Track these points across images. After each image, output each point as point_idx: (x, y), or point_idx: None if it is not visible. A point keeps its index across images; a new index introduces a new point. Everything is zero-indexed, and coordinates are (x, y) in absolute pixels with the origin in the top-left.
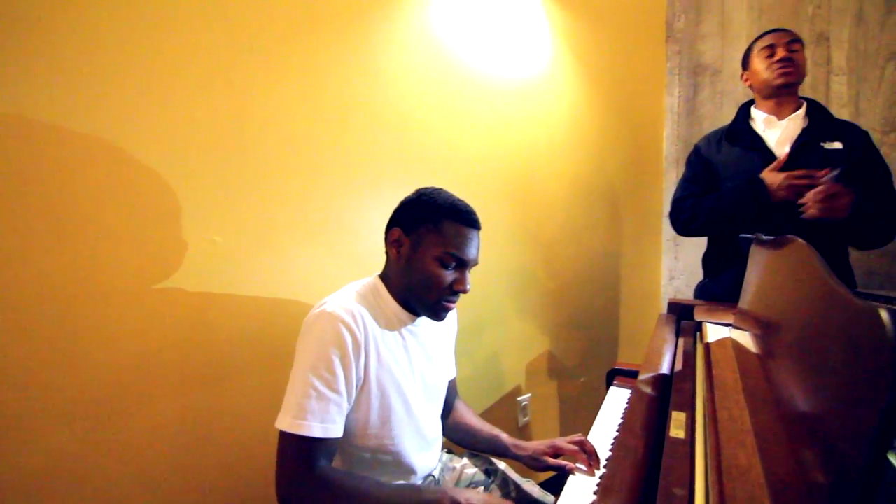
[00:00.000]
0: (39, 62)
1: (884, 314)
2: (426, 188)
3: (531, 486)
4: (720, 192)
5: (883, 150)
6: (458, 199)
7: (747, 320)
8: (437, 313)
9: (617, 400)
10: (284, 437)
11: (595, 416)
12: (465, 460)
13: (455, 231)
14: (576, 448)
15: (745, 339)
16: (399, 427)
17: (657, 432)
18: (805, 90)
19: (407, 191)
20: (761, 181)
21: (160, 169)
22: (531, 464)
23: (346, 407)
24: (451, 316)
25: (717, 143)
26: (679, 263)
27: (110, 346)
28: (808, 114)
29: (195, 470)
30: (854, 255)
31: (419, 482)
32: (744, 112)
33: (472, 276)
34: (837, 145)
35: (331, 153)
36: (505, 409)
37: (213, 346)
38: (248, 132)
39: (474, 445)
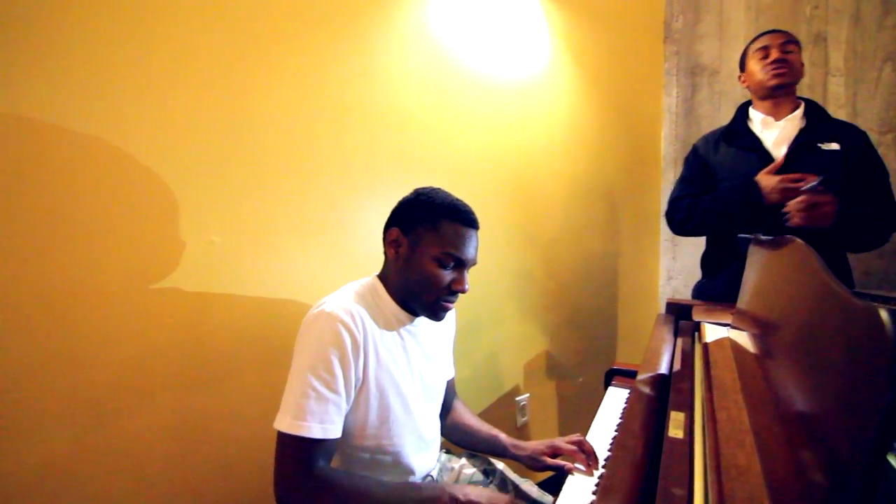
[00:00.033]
0: (37, 62)
1: (883, 314)
2: (424, 188)
3: (529, 486)
4: (715, 194)
5: (880, 151)
6: (457, 199)
7: (745, 320)
8: (436, 313)
9: (615, 400)
10: (283, 437)
11: (593, 416)
12: (464, 460)
13: (453, 231)
14: (574, 448)
15: (744, 339)
16: (398, 427)
17: (656, 432)
18: (803, 91)
19: (405, 190)
20: (756, 184)
21: (158, 168)
22: (530, 464)
23: (344, 407)
24: (450, 316)
25: (715, 143)
26: (677, 263)
27: (108, 346)
28: (805, 114)
29: (193, 470)
30: (852, 255)
31: (418, 481)
32: (742, 113)
33: (471, 276)
34: (835, 146)
35: (329, 153)
36: (503, 409)
37: (211, 346)
38: (246, 132)
39: (473, 445)
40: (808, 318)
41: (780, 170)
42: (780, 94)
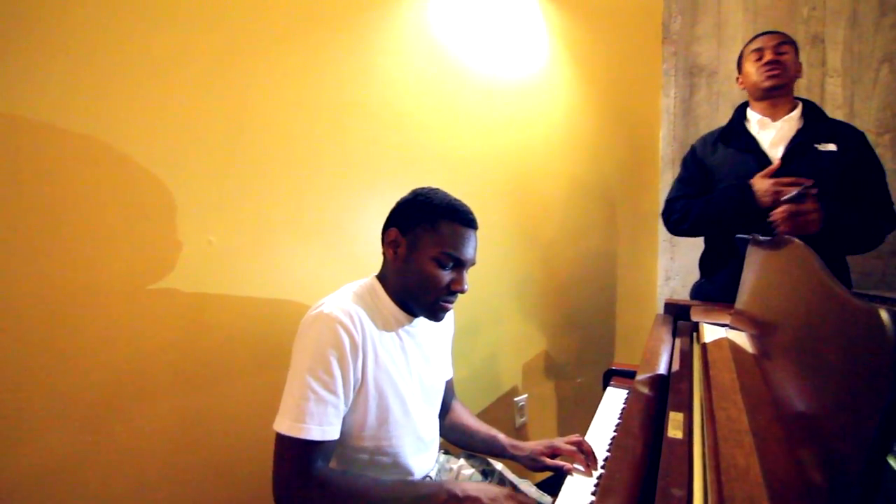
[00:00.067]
0: (35, 62)
1: (884, 314)
2: (422, 188)
3: (528, 487)
4: (710, 196)
5: (878, 152)
6: (455, 199)
7: (744, 321)
8: (435, 314)
9: (614, 400)
10: (282, 439)
11: (592, 417)
12: (462, 461)
13: (452, 231)
14: (573, 448)
15: (742, 339)
16: (396, 428)
17: (655, 433)
18: (800, 91)
19: (404, 191)
20: (750, 187)
21: (156, 169)
22: (529, 464)
23: (343, 409)
24: (448, 316)
25: (713, 144)
26: (675, 264)
27: (105, 347)
28: (803, 115)
29: (191, 470)
30: (849, 256)
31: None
32: (739, 113)
33: (469, 276)
34: (831, 147)
35: (327, 153)
36: (502, 410)
37: (209, 347)
38: (244, 132)
39: (471, 446)
40: (807, 318)
41: (777, 170)
42: (775, 95)
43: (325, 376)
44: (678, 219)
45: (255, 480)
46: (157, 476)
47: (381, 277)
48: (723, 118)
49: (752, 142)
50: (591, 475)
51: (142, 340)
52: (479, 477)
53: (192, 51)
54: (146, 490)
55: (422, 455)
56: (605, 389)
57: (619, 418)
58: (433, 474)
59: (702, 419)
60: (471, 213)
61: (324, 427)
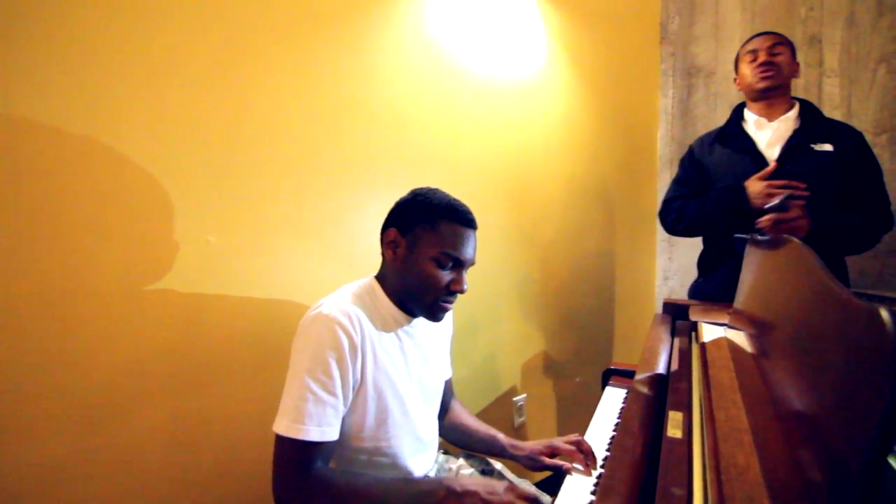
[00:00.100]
0: (33, 62)
1: (884, 314)
2: (421, 188)
3: (527, 486)
4: (705, 197)
5: (875, 152)
6: (454, 199)
7: (742, 320)
8: (435, 314)
9: (613, 400)
10: (282, 440)
11: (591, 416)
12: (462, 461)
13: (451, 231)
14: (573, 448)
15: (741, 338)
16: (395, 429)
17: (654, 432)
18: (798, 91)
19: (402, 191)
20: (744, 188)
21: (154, 168)
22: (528, 464)
23: (342, 409)
24: (448, 316)
25: (710, 144)
26: (673, 264)
27: (103, 348)
28: (800, 115)
29: (190, 471)
30: (846, 256)
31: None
32: (737, 114)
33: (468, 276)
34: (828, 147)
35: (326, 153)
36: (501, 410)
37: (207, 348)
38: (242, 131)
39: (471, 446)
40: (807, 317)
41: (774, 171)
42: (771, 96)
43: (323, 377)
44: (674, 219)
45: (254, 481)
46: (156, 476)
47: (380, 278)
48: (721, 118)
49: (749, 142)
50: (590, 475)
51: (140, 341)
52: (478, 476)
53: (190, 51)
54: (145, 491)
55: (421, 455)
56: (603, 389)
57: (618, 418)
58: (432, 474)
59: (701, 418)
60: (470, 213)
61: (323, 428)
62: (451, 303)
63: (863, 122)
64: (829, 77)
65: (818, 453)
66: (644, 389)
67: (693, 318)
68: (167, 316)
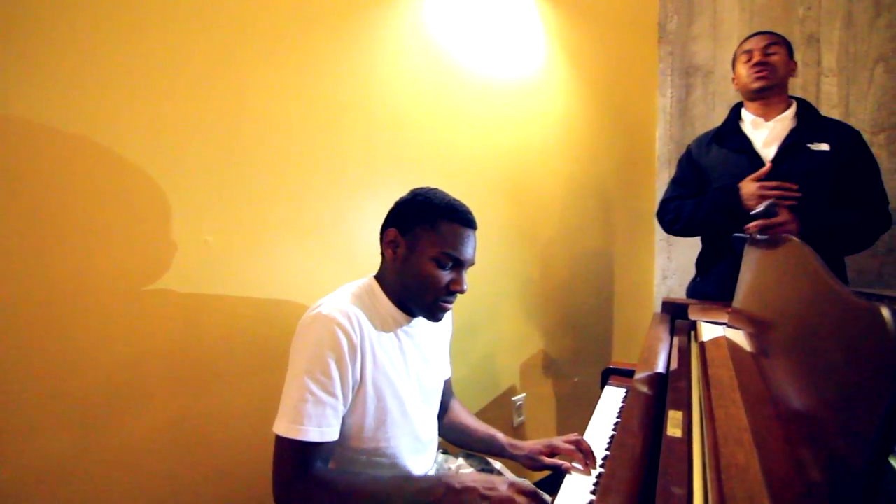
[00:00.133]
0: (30, 62)
1: (885, 312)
2: (421, 188)
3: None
4: (700, 198)
5: (873, 151)
6: (454, 199)
7: (741, 319)
8: (434, 314)
9: (612, 399)
10: (281, 441)
11: (590, 416)
12: (461, 460)
13: (451, 231)
14: (572, 447)
15: (740, 337)
16: (395, 429)
17: (654, 431)
18: (796, 91)
19: (401, 190)
20: (738, 189)
21: (151, 168)
22: (527, 463)
23: (341, 410)
24: (447, 316)
25: (707, 144)
26: (672, 263)
27: (101, 349)
28: (797, 114)
29: (189, 471)
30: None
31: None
32: (734, 113)
33: (468, 276)
34: (824, 146)
35: (324, 152)
36: (500, 409)
37: (206, 348)
38: (240, 131)
39: (470, 445)
40: (807, 316)
41: (770, 171)
42: (767, 96)
43: (323, 378)
44: (671, 219)
45: (253, 481)
46: (155, 477)
47: (380, 278)
48: (719, 118)
49: (746, 142)
50: (589, 474)
51: (139, 341)
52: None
53: (188, 51)
54: (144, 491)
55: (420, 455)
56: (602, 388)
57: (617, 417)
58: (432, 474)
59: (701, 417)
60: (470, 213)
61: (322, 428)
62: (450, 303)
63: (861, 121)
64: (827, 76)
65: (818, 453)
66: (644, 388)
67: (692, 317)
68: (166, 316)
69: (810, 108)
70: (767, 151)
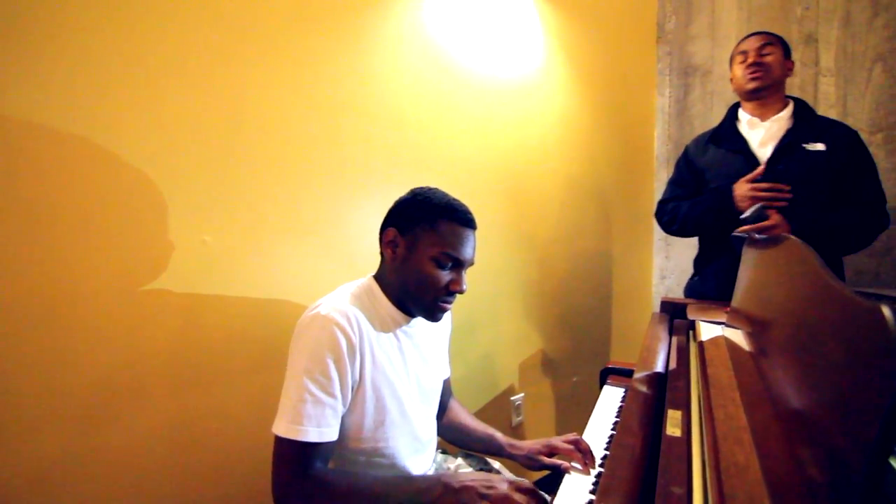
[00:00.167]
0: (27, 62)
1: (887, 312)
2: (421, 188)
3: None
4: (696, 199)
5: (870, 150)
6: (454, 199)
7: (740, 318)
8: (434, 314)
9: (611, 399)
10: (280, 441)
11: (589, 415)
12: (460, 460)
13: (451, 231)
14: (571, 447)
15: (738, 337)
16: (394, 429)
17: (654, 430)
18: (794, 90)
19: (400, 190)
20: (731, 191)
21: (150, 168)
22: (526, 463)
23: (341, 410)
24: (446, 315)
25: (704, 144)
26: (670, 263)
27: (99, 349)
28: (794, 114)
29: (186, 472)
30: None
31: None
32: (731, 113)
33: (467, 275)
34: (819, 146)
35: (323, 152)
36: (498, 409)
37: (204, 348)
38: (239, 131)
39: (469, 445)
40: (807, 315)
41: (765, 170)
42: (762, 96)
43: (322, 378)
44: (668, 220)
45: (252, 481)
46: (153, 478)
47: (379, 277)
48: (717, 117)
49: (742, 142)
50: (588, 473)
51: (137, 341)
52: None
53: (186, 50)
54: (142, 491)
55: (419, 455)
56: (601, 388)
57: (616, 416)
58: (430, 474)
59: (700, 417)
60: (470, 213)
61: (321, 428)
62: (450, 303)
63: (858, 120)
64: (825, 76)
65: (818, 452)
66: (643, 388)
67: (691, 316)
68: (164, 316)
69: (807, 107)
70: (763, 151)
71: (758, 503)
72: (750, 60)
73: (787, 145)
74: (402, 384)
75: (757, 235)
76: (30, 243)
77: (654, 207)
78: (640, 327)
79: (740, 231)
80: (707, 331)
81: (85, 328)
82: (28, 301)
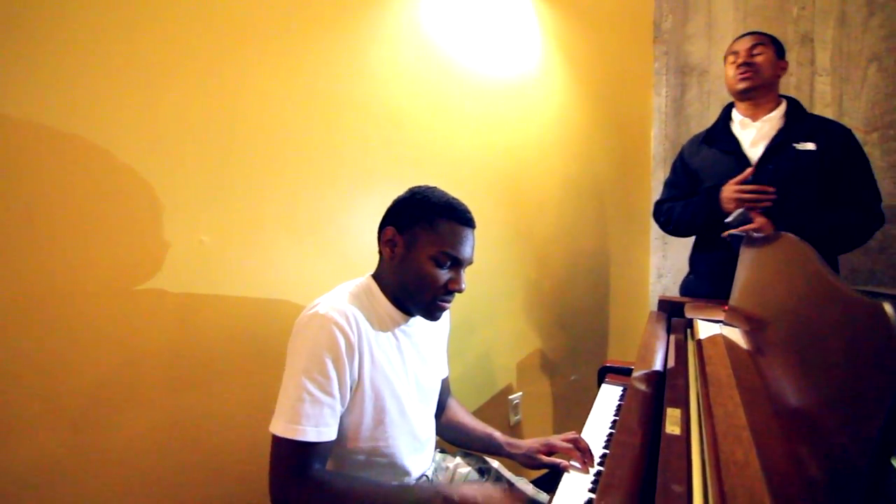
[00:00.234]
0: (23, 61)
1: (888, 309)
2: (419, 186)
3: (524, 485)
4: (688, 200)
5: (866, 150)
6: (453, 198)
7: (738, 317)
8: (432, 313)
9: (609, 397)
10: (279, 441)
11: (587, 414)
12: (459, 459)
13: (450, 230)
14: (570, 446)
15: (736, 335)
16: (393, 429)
17: (653, 429)
18: (790, 90)
19: (398, 189)
20: (718, 193)
21: (147, 168)
22: (525, 462)
23: (339, 409)
24: (444, 315)
25: (698, 145)
26: (667, 261)
27: (95, 348)
28: (786, 114)
29: (183, 472)
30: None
31: (413, 483)
32: (725, 113)
33: (465, 274)
34: (810, 146)
35: (321, 151)
36: (497, 408)
37: (201, 348)
38: (236, 130)
39: (468, 444)
40: (806, 313)
41: (755, 170)
42: (754, 97)
43: (320, 377)
44: (664, 221)
45: (249, 481)
46: (150, 477)
47: (377, 276)
48: (714, 117)
49: (734, 142)
50: (587, 472)
51: (134, 341)
52: (475, 475)
53: (182, 49)
54: (138, 491)
55: (418, 455)
56: (599, 386)
57: (614, 415)
58: (430, 473)
59: (699, 415)
60: (469, 212)
61: (320, 428)
62: (448, 302)
63: (854, 119)
64: (821, 76)
65: (819, 451)
66: (641, 386)
67: (688, 315)
68: (161, 316)
69: (799, 107)
70: (754, 152)
71: (758, 501)
72: (740, 61)
73: (778, 145)
74: (400, 383)
75: (758, 234)
76: (26, 242)
77: (650, 206)
78: (638, 326)
79: (725, 235)
80: (705, 329)
81: (81, 328)
82: (24, 300)
